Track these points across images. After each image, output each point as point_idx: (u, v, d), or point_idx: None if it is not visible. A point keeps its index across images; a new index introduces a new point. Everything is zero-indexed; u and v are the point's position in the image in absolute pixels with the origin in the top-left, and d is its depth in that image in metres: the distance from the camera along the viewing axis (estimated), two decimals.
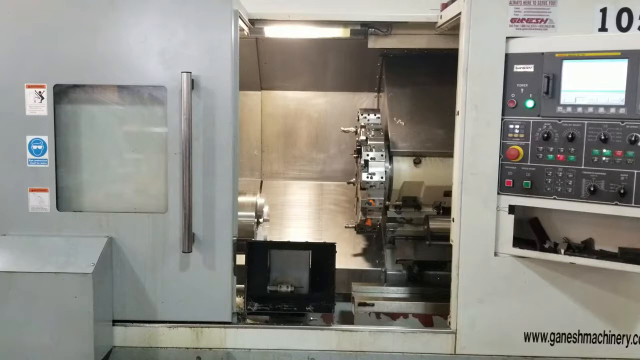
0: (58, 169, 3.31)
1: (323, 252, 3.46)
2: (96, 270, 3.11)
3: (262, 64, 4.87)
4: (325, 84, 5.01)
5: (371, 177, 3.94)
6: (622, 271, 3.04)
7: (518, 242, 3.24)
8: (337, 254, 3.47)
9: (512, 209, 3.21)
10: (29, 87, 3.23)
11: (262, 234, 4.25)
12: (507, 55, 3.14)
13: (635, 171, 2.87)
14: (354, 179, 4.58)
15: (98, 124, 3.38)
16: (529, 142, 3.14)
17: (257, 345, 3.40)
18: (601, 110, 2.95)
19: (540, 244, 3.20)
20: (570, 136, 3.01)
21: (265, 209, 4.26)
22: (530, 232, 3.25)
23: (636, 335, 3.33)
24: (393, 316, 3.90)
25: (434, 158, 4.04)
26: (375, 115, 4.24)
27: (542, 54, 3.06)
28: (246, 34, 3.91)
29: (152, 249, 3.33)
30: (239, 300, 3.53)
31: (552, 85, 3.04)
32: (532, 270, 3.27)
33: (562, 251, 3.10)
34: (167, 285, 3.36)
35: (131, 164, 3.43)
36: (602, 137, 2.93)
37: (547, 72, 3.04)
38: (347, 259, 4.42)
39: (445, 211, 3.84)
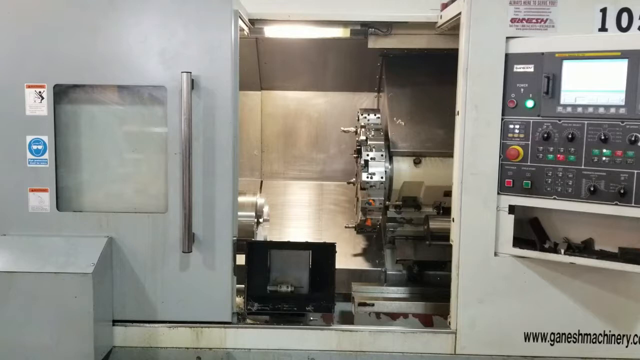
0: (58, 169, 3.31)
1: (323, 252, 3.46)
2: (96, 270, 3.11)
3: (262, 64, 4.87)
4: (325, 84, 5.01)
5: (371, 177, 3.94)
6: (622, 271, 3.04)
7: (518, 242, 3.24)
8: (337, 254, 3.47)
9: (512, 209, 3.21)
10: (29, 87, 3.23)
11: (262, 234, 4.25)
12: (507, 55, 3.14)
13: (635, 171, 2.87)
14: (354, 179, 4.58)
15: (98, 124, 3.38)
16: (529, 142, 3.14)
17: (257, 345, 3.40)
18: (601, 110, 2.95)
19: (540, 244, 3.20)
20: (570, 136, 3.01)
21: (265, 209, 4.26)
22: (530, 232, 3.25)
23: (636, 335, 3.33)
24: (393, 316, 3.90)
25: (434, 158, 4.04)
26: (375, 115, 4.24)
27: (542, 54, 3.06)
28: (246, 34, 3.91)
29: (152, 249, 3.33)
30: (239, 300, 3.53)
31: (552, 85, 3.04)
32: (532, 270, 3.27)
33: (562, 251, 3.10)
34: (167, 285, 3.36)
35: (131, 164, 3.43)
36: (602, 137, 2.93)
37: (547, 72, 3.04)
38: (347, 259, 4.42)
39: (445, 211, 3.84)
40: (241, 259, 3.45)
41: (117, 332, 3.38)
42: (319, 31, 4.08)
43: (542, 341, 3.33)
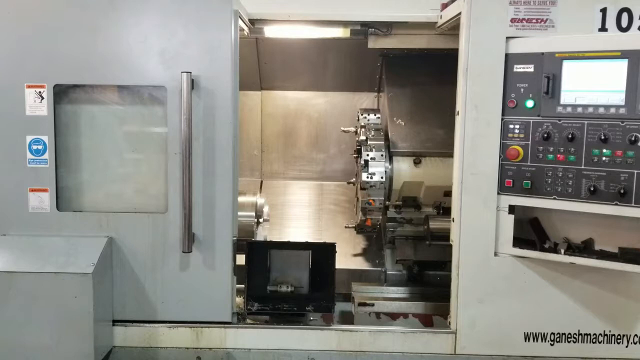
0: (58, 169, 3.31)
1: (323, 252, 3.46)
2: (96, 270, 3.11)
3: (262, 64, 4.87)
4: (325, 84, 5.01)
5: (371, 177, 3.94)
6: (622, 271, 3.04)
7: (518, 242, 3.24)
8: (337, 254, 3.47)
9: (512, 209, 3.21)
10: (29, 87, 3.23)
11: (262, 234, 4.25)
12: (507, 55, 3.14)
13: (635, 171, 2.87)
14: (354, 179, 4.58)
15: (98, 124, 3.38)
16: (529, 142, 3.14)
17: (257, 345, 3.40)
18: (601, 110, 2.95)
19: (540, 244, 3.20)
20: (570, 136, 3.01)
21: (265, 209, 4.26)
22: (530, 232, 3.25)
23: (636, 335, 3.33)
24: (393, 316, 3.90)
25: (434, 158, 4.04)
26: (375, 115, 4.24)
27: (542, 54, 3.06)
28: (246, 34, 3.91)
29: (152, 249, 3.33)
30: (239, 300, 3.53)
31: (552, 85, 3.04)
32: (532, 270, 3.27)
33: (562, 251, 3.10)
34: (167, 285, 3.36)
35: (131, 164, 3.43)
36: (602, 137, 2.93)
37: (547, 72, 3.04)
38: (347, 259, 4.41)
39: (445, 211, 3.84)
40: (241, 259, 3.45)
41: (117, 332, 3.38)
42: (319, 31, 4.08)
43: (542, 341, 3.33)
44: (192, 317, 3.39)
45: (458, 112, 3.26)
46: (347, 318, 4.05)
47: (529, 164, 3.14)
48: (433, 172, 4.02)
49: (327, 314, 3.54)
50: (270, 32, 4.11)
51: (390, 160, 4.04)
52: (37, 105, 3.24)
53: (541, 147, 3.10)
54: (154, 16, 3.21)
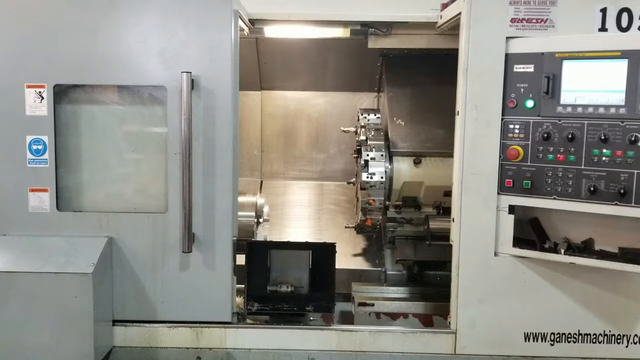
0: (58, 169, 3.31)
1: (323, 252, 3.46)
2: (96, 270, 3.11)
3: (262, 64, 4.87)
4: (325, 84, 5.01)
5: (371, 177, 3.94)
6: (622, 271, 3.04)
7: (518, 242, 3.24)
8: (337, 254, 3.47)
9: (512, 209, 3.21)
10: (29, 87, 3.23)
11: (262, 234, 4.25)
12: (507, 55, 3.14)
13: (635, 171, 2.87)
14: (354, 179, 4.58)
15: (98, 124, 3.38)
16: (529, 142, 3.14)
17: (257, 345, 3.40)
18: (601, 110, 2.95)
19: (540, 244, 3.20)
20: (570, 136, 3.01)
21: (265, 209, 4.26)
22: (530, 232, 3.25)
23: (636, 335, 3.33)
24: (393, 316, 3.90)
25: (434, 158, 4.04)
26: (375, 115, 4.24)
27: (542, 54, 3.06)
28: (246, 34, 3.91)
29: (152, 249, 3.33)
30: (239, 300, 3.53)
31: (552, 85, 3.04)
32: (532, 270, 3.27)
33: (562, 251, 3.10)
34: (167, 285, 3.36)
35: (131, 164, 3.43)
36: (602, 137, 2.93)
37: (547, 72, 3.04)
38: (347, 259, 4.42)
39: (445, 211, 3.84)
40: (241, 259, 3.45)
41: (117, 332, 3.38)
42: (319, 31, 4.08)
43: (542, 341, 3.33)
44: (192, 317, 3.39)
45: (458, 112, 3.26)
46: (347, 318, 4.05)
47: (529, 164, 3.14)
48: (433, 172, 4.02)
49: (327, 314, 3.54)
50: (270, 32, 4.11)
51: (390, 160, 4.04)
52: (37, 105, 3.24)
53: (541, 147, 3.10)
54: (154, 16, 3.21)
